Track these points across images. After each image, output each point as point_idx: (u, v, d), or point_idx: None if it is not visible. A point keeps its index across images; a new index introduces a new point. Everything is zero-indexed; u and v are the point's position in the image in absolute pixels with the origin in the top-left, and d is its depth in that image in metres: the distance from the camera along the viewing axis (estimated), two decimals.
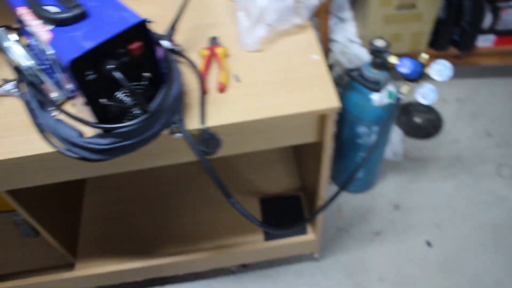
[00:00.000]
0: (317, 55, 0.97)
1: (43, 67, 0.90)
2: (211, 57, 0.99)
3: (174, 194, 1.60)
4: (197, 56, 1.01)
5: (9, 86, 1.04)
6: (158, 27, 1.07)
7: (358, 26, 1.84)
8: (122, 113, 0.82)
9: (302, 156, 1.46)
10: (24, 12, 0.81)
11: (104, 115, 0.80)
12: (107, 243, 1.51)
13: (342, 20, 1.87)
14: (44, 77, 0.92)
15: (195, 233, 1.49)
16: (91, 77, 0.73)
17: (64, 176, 1.03)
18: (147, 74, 0.80)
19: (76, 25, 0.75)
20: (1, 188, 1.05)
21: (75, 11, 0.74)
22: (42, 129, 0.91)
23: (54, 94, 0.96)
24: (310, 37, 1.02)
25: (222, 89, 0.92)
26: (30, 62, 0.91)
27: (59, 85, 0.94)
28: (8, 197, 1.08)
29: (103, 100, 0.77)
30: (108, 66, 0.72)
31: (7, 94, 1.03)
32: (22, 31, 0.94)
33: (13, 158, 0.89)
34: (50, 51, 0.75)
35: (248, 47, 0.99)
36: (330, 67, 1.81)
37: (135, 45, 0.74)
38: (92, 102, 0.76)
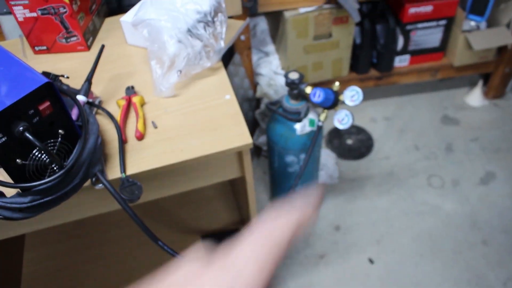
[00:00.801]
0: (229, 95, 1.02)
1: None
2: (128, 106, 1.02)
3: (114, 240, 1.60)
4: (115, 106, 1.04)
5: None
6: (77, 81, 1.11)
7: (281, 58, 1.93)
8: (42, 170, 0.84)
9: (237, 190, 1.50)
10: None
11: (22, 173, 0.81)
12: None
13: (266, 54, 1.95)
14: None
15: (140, 277, 1.49)
16: (2, 140, 0.75)
17: None
18: (61, 131, 0.82)
19: None
20: None
21: None
22: None
23: None
24: (222, 78, 1.07)
25: (140, 136, 0.95)
26: None
27: None
28: None
29: (19, 160, 0.79)
30: (18, 128, 0.74)
31: None
32: None
33: None
34: None
35: (163, 93, 1.04)
36: (259, 100, 1.88)
37: (43, 105, 0.77)
38: (6, 163, 0.78)
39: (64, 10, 1.15)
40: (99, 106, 1.02)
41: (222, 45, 1.09)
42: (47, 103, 0.78)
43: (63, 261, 1.57)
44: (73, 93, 1.01)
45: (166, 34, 1.03)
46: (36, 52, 1.25)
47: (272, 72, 1.89)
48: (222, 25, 1.09)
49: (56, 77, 1.08)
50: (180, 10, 1.07)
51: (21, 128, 0.74)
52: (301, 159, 1.47)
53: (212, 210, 1.62)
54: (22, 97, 0.74)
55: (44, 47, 1.24)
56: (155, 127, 0.98)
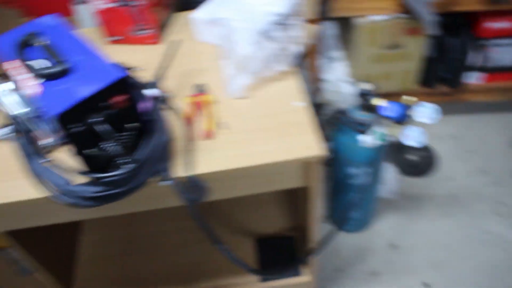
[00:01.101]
0: (301, 102, 0.98)
1: (38, 114, 0.92)
2: (197, 104, 1.00)
3: (169, 232, 1.59)
4: (183, 103, 1.03)
5: (6, 130, 1.05)
6: (145, 74, 1.10)
7: (348, 65, 1.88)
8: (110, 161, 0.82)
9: (295, 196, 1.46)
10: (11, 66, 0.83)
11: (92, 163, 0.81)
12: (103, 283, 1.49)
13: (332, 59, 1.90)
14: (34, 124, 0.94)
15: (191, 273, 1.47)
16: (77, 129, 0.74)
17: (56, 218, 1.04)
18: (132, 125, 0.81)
19: (62, 79, 0.76)
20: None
21: (61, 67, 0.76)
22: (34, 175, 0.92)
23: (47, 140, 0.97)
24: (295, 83, 1.03)
25: (208, 136, 0.93)
26: (22, 110, 0.93)
27: (52, 132, 0.96)
28: (5, 235, 1.08)
29: (90, 150, 0.78)
30: (92, 120, 0.73)
31: (5, 138, 1.04)
32: None
33: (6, 203, 0.91)
34: (38, 104, 0.77)
35: (234, 94, 1.01)
36: (321, 106, 1.83)
37: (118, 99, 0.76)
38: (78, 152, 0.77)
39: (140, 2, 1.14)
40: (168, 102, 1.00)
41: (298, 49, 1.05)
42: (122, 97, 0.76)
43: (118, 247, 1.58)
44: (143, 87, 1.00)
45: (241, 34, 1.00)
46: (109, 42, 1.26)
47: (337, 79, 1.83)
48: (298, 29, 1.05)
49: (128, 69, 1.07)
50: (257, 11, 1.04)
51: (95, 119, 0.73)
52: (364, 171, 1.41)
53: (267, 214, 1.58)
54: (100, 90, 0.73)
55: (117, 38, 1.24)
56: (224, 127, 0.95)
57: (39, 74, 0.77)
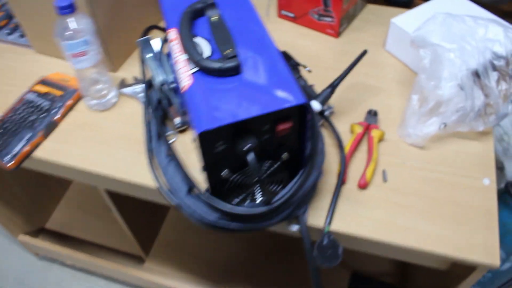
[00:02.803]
0: (488, 179, 0.76)
1: (176, 85, 0.80)
2: (362, 137, 0.82)
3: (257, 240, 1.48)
4: (345, 127, 0.84)
5: (138, 89, 0.95)
6: (313, 72, 0.93)
7: None
8: (241, 187, 0.68)
9: None
10: (174, 38, 0.69)
11: (218, 185, 0.66)
12: (179, 253, 1.43)
13: None
14: (174, 98, 0.81)
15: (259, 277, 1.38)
16: (220, 148, 0.60)
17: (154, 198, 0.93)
18: (285, 156, 0.65)
19: (223, 79, 0.61)
20: (101, 186, 0.97)
21: (229, 64, 0.60)
22: (151, 155, 0.80)
23: (176, 120, 0.85)
24: (487, 152, 0.80)
25: (363, 185, 0.75)
26: (163, 77, 0.81)
27: (183, 112, 0.83)
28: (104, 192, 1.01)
29: (225, 173, 0.64)
30: (243, 146, 0.58)
31: (134, 95, 0.94)
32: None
33: (115, 177, 0.81)
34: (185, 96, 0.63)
35: (410, 139, 0.81)
36: None
37: (283, 126, 0.60)
38: (210, 171, 0.63)
39: None
40: (329, 120, 0.83)
41: (508, 110, 0.81)
42: (289, 124, 0.60)
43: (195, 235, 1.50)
44: (309, 96, 0.83)
45: (448, 71, 0.78)
46: (279, 16, 1.09)
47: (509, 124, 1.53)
48: None
49: (297, 65, 0.90)
50: (477, 45, 0.80)
51: (247, 146, 0.58)
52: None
53: None
54: (266, 113, 0.56)
55: (291, 15, 1.07)
56: (385, 180, 0.76)
57: (197, 63, 0.62)
